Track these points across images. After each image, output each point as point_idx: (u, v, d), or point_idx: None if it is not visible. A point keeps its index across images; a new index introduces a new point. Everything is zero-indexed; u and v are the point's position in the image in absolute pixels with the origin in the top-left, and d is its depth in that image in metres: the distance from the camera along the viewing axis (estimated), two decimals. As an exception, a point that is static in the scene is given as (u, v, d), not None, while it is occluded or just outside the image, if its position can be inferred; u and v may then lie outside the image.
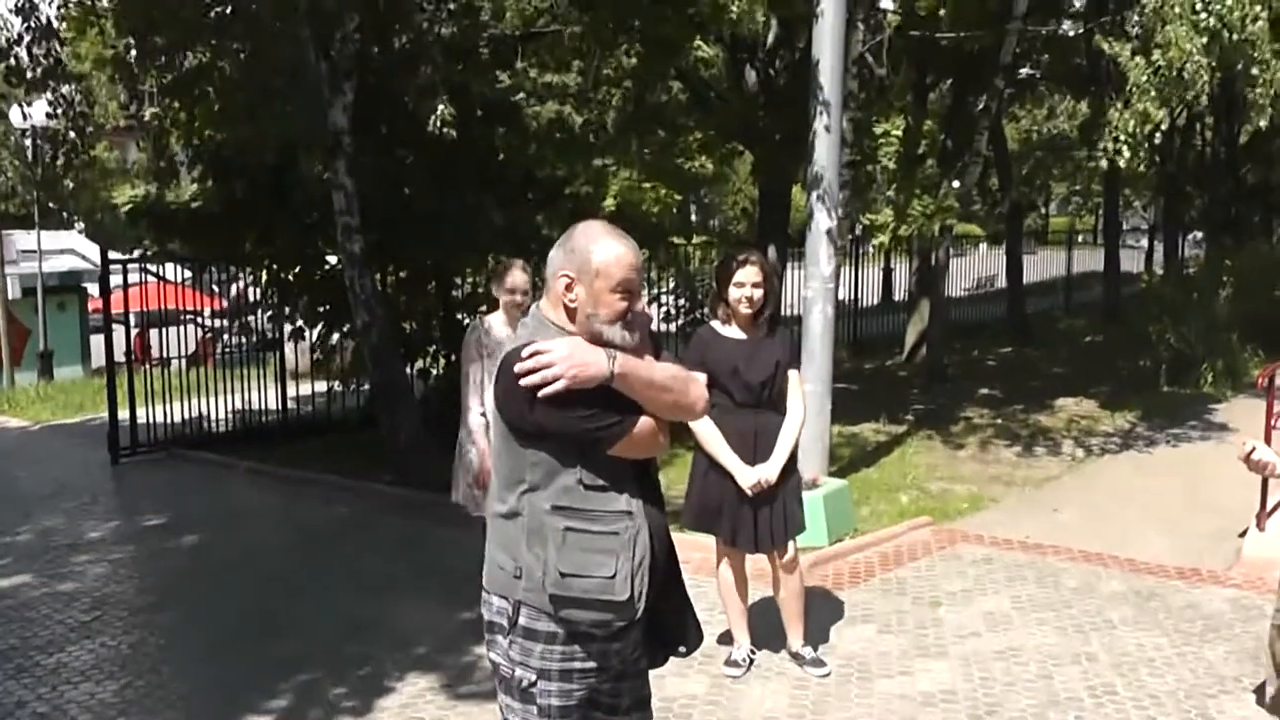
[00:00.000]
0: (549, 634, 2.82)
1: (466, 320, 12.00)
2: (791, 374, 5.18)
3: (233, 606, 6.56)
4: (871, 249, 19.05)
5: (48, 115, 11.10)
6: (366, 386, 11.64)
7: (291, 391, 12.43)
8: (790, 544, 5.21)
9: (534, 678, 2.85)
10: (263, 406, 12.25)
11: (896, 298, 25.58)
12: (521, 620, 2.84)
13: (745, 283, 5.00)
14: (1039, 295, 24.48)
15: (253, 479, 10.17)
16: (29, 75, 10.12)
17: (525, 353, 2.71)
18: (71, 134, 10.89)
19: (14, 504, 9.36)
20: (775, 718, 4.88)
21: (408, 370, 11.16)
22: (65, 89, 10.73)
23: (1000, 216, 23.33)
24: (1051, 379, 15.03)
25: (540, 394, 2.69)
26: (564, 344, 2.73)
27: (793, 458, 5.14)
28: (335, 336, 11.96)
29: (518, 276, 5.52)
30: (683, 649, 3.09)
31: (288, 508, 9.05)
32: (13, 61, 10.01)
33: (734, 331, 5.10)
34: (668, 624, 3.01)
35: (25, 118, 10.59)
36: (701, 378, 3.07)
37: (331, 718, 4.97)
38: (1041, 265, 27.49)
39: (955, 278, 20.29)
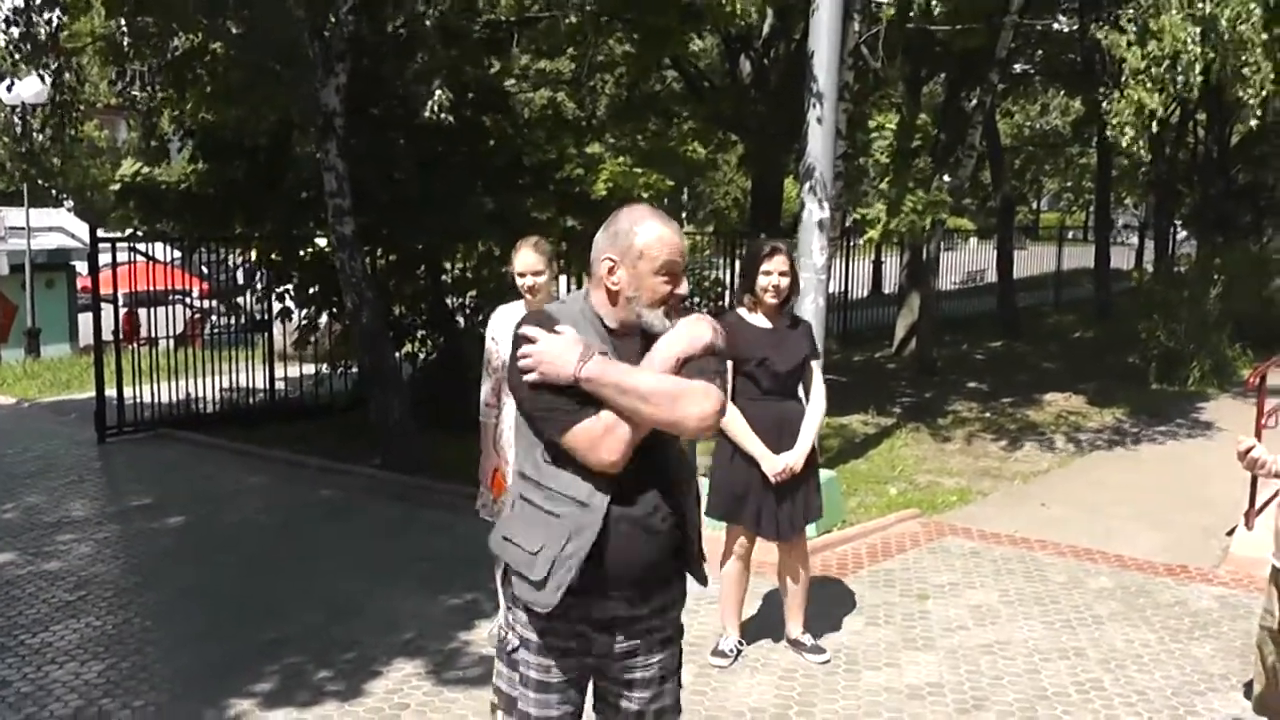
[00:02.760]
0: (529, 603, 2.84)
1: (456, 303, 12.01)
2: (813, 364, 5.25)
3: (219, 588, 6.53)
4: (861, 242, 19.05)
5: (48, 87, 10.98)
6: (355, 369, 11.59)
7: (280, 373, 12.38)
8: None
9: (517, 643, 2.88)
10: (250, 387, 12.21)
11: (886, 290, 25.59)
12: (513, 582, 2.87)
13: (773, 271, 5.06)
14: (1029, 290, 24.51)
15: (240, 460, 10.12)
16: (39, 42, 10.02)
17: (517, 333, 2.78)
18: (60, 109, 10.80)
19: (-1, 482, 9.32)
20: (762, 709, 4.87)
21: (397, 353, 11.11)
22: (57, 63, 10.64)
23: (991, 211, 23.34)
24: (1040, 374, 15.07)
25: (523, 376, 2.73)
26: (547, 338, 2.70)
27: (813, 447, 5.21)
28: (324, 318, 11.91)
29: (525, 257, 4.81)
30: None
31: (275, 489, 9.02)
32: (22, 29, 9.90)
33: (760, 320, 5.16)
34: None
35: (42, 80, 10.43)
36: (718, 380, 2.79)
37: (317, 701, 4.94)
38: (1032, 261, 27.49)
39: (945, 271, 20.29)
